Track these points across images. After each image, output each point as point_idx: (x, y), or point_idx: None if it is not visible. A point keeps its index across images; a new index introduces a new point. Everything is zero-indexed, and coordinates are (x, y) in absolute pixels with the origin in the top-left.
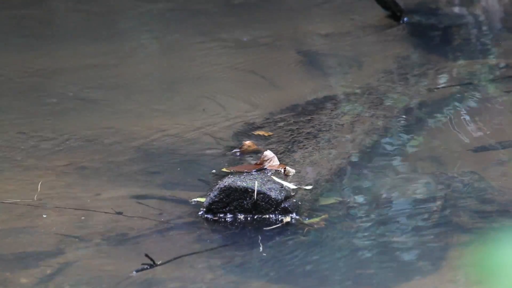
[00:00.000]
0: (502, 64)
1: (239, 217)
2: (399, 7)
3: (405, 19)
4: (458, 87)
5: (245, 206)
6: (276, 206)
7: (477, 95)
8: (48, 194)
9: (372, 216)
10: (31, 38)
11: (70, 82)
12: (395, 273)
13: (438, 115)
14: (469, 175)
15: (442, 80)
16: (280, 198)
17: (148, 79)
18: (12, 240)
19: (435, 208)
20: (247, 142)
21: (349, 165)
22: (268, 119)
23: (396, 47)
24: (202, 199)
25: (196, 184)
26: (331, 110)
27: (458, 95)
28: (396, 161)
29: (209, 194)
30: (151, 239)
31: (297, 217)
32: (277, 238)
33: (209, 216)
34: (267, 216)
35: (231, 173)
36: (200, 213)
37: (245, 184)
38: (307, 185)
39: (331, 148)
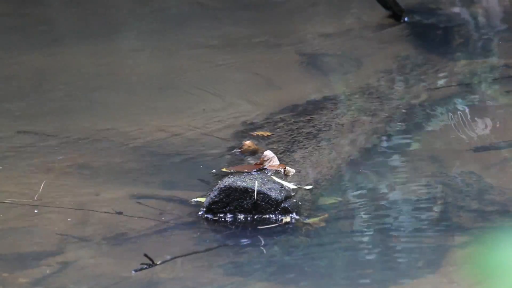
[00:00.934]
0: (502, 64)
1: (239, 217)
2: (400, 7)
3: (406, 18)
4: (458, 87)
5: (245, 206)
6: (276, 206)
7: (477, 95)
8: (48, 194)
9: (372, 216)
10: (31, 38)
11: (70, 82)
12: (395, 273)
13: (438, 115)
14: (469, 175)
15: (442, 80)
16: (280, 198)
17: (148, 79)
18: (12, 240)
19: (435, 208)
20: (247, 142)
21: (349, 165)
22: (268, 119)
23: (396, 47)
24: (202, 199)
25: (196, 184)
26: (331, 110)
27: (458, 95)
28: (396, 161)
29: (209, 194)
30: (151, 239)
31: (297, 217)
32: (277, 238)
33: (209, 216)
34: (267, 216)
35: (231, 173)
36: (200, 213)
37: (245, 184)
38: (307, 185)
39: (331, 148)
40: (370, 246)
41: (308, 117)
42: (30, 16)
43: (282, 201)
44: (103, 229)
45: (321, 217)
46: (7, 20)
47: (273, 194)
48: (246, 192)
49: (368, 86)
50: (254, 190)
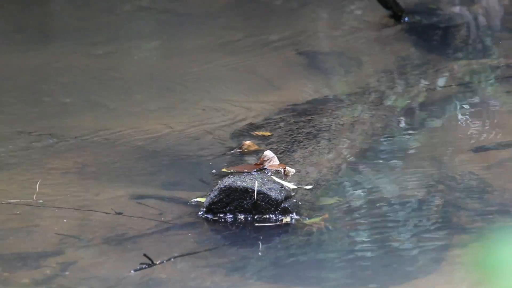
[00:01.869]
0: (502, 64)
1: (239, 217)
2: (400, 7)
3: (406, 18)
4: (458, 87)
5: (245, 206)
6: (276, 206)
7: (477, 95)
8: (48, 194)
9: (372, 216)
10: (31, 38)
11: (70, 82)
12: (395, 273)
13: (438, 115)
14: (469, 175)
15: (442, 80)
16: (280, 198)
17: (148, 79)
18: (12, 240)
19: (435, 208)
20: (247, 142)
21: (349, 165)
22: (268, 119)
23: (396, 47)
24: (202, 199)
25: (196, 184)
26: (331, 110)
27: (458, 95)
28: (396, 161)
29: (209, 194)
30: (151, 239)
31: (297, 217)
32: (277, 238)
33: (209, 216)
34: (267, 216)
35: (231, 173)
36: (200, 213)
37: (245, 184)
38: (307, 185)
39: (331, 148)
40: (370, 246)
41: (308, 117)
42: (31, 16)
43: (282, 201)
44: (103, 229)
45: (321, 217)
46: (7, 20)
47: (273, 194)
48: (246, 192)
49: (368, 86)
50: (254, 190)
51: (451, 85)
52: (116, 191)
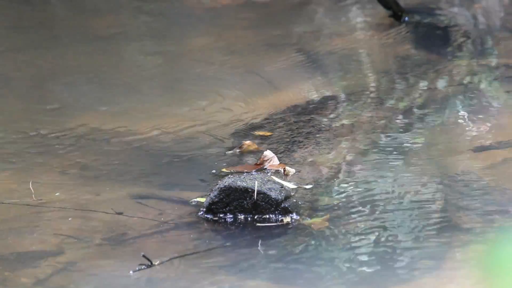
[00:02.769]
0: (502, 64)
1: (239, 217)
2: (400, 7)
3: (406, 18)
4: (458, 87)
5: (245, 206)
6: (276, 206)
7: (477, 95)
8: (48, 194)
9: (372, 216)
10: (31, 38)
11: (70, 83)
12: (395, 273)
13: (438, 115)
14: (469, 175)
15: (442, 80)
16: (280, 198)
17: (148, 79)
18: (12, 240)
19: (435, 208)
20: (247, 142)
21: (349, 165)
22: (268, 119)
23: (396, 47)
24: (202, 199)
25: (196, 184)
26: (331, 110)
27: (458, 95)
28: (396, 161)
29: (209, 194)
30: (151, 239)
31: (297, 217)
32: (277, 238)
33: (209, 216)
34: (267, 216)
35: (231, 173)
36: (200, 213)
37: (245, 184)
38: (307, 185)
39: (331, 148)
40: (370, 246)
41: (308, 117)
42: (32, 16)
43: (282, 201)
44: (103, 229)
45: (322, 217)
46: (8, 20)
47: (273, 194)
48: (246, 192)
49: (368, 86)
50: (254, 190)
51: (451, 85)
52: (116, 191)
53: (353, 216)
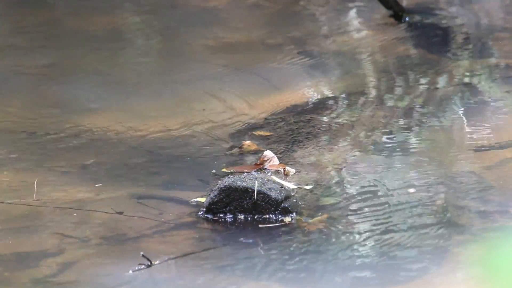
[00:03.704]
0: (502, 64)
1: (239, 217)
2: (401, 7)
3: (406, 18)
4: (458, 87)
5: (245, 206)
6: (276, 206)
7: (477, 95)
8: (48, 194)
9: (372, 216)
10: (31, 38)
11: (69, 82)
12: (395, 273)
13: (438, 115)
14: (469, 175)
15: (442, 80)
16: (280, 198)
17: (148, 79)
18: (12, 240)
19: (435, 208)
20: (247, 142)
21: (349, 164)
22: (268, 119)
23: (397, 47)
24: (202, 199)
25: (196, 184)
26: (331, 110)
27: (458, 95)
28: (396, 161)
29: (209, 194)
30: (151, 239)
31: (297, 217)
32: (277, 238)
33: (209, 216)
34: (267, 216)
35: (231, 173)
36: (200, 213)
37: (245, 184)
38: (307, 185)
39: (331, 148)
40: (370, 246)
41: (308, 117)
42: (32, 16)
43: (282, 201)
44: (103, 229)
45: (321, 217)
46: (8, 20)
47: (273, 194)
48: (246, 192)
49: (368, 86)
50: (254, 190)
51: (451, 85)
52: (116, 191)
53: (353, 216)
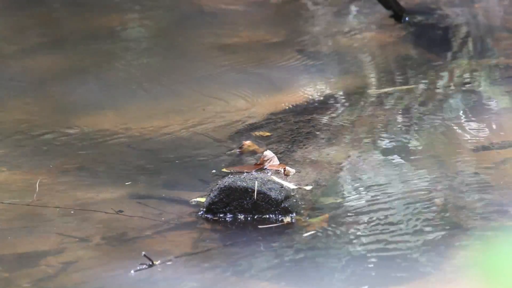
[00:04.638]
0: (502, 64)
1: (239, 217)
2: (401, 7)
3: (406, 18)
4: (458, 87)
5: (245, 206)
6: (276, 206)
7: (477, 95)
8: (48, 194)
9: (372, 216)
10: (31, 38)
11: (69, 82)
12: (395, 273)
13: (438, 115)
14: (469, 175)
15: (442, 80)
16: (280, 198)
17: (148, 80)
18: (12, 240)
19: (435, 208)
20: (247, 142)
21: (349, 165)
22: (268, 119)
23: (397, 47)
24: (202, 199)
25: (196, 184)
26: (331, 110)
27: (458, 95)
28: (396, 161)
29: (209, 194)
30: (151, 239)
31: (297, 217)
32: (277, 238)
33: (209, 216)
34: (267, 216)
35: (231, 173)
36: (200, 213)
37: (245, 184)
38: (307, 185)
39: (331, 148)
40: (370, 246)
41: (308, 117)
42: (32, 17)
43: (282, 201)
44: (103, 229)
45: (321, 217)
46: (8, 21)
47: (273, 194)
48: (246, 192)
49: (368, 86)
50: (254, 190)
51: (451, 85)
52: (116, 191)
53: (353, 216)
